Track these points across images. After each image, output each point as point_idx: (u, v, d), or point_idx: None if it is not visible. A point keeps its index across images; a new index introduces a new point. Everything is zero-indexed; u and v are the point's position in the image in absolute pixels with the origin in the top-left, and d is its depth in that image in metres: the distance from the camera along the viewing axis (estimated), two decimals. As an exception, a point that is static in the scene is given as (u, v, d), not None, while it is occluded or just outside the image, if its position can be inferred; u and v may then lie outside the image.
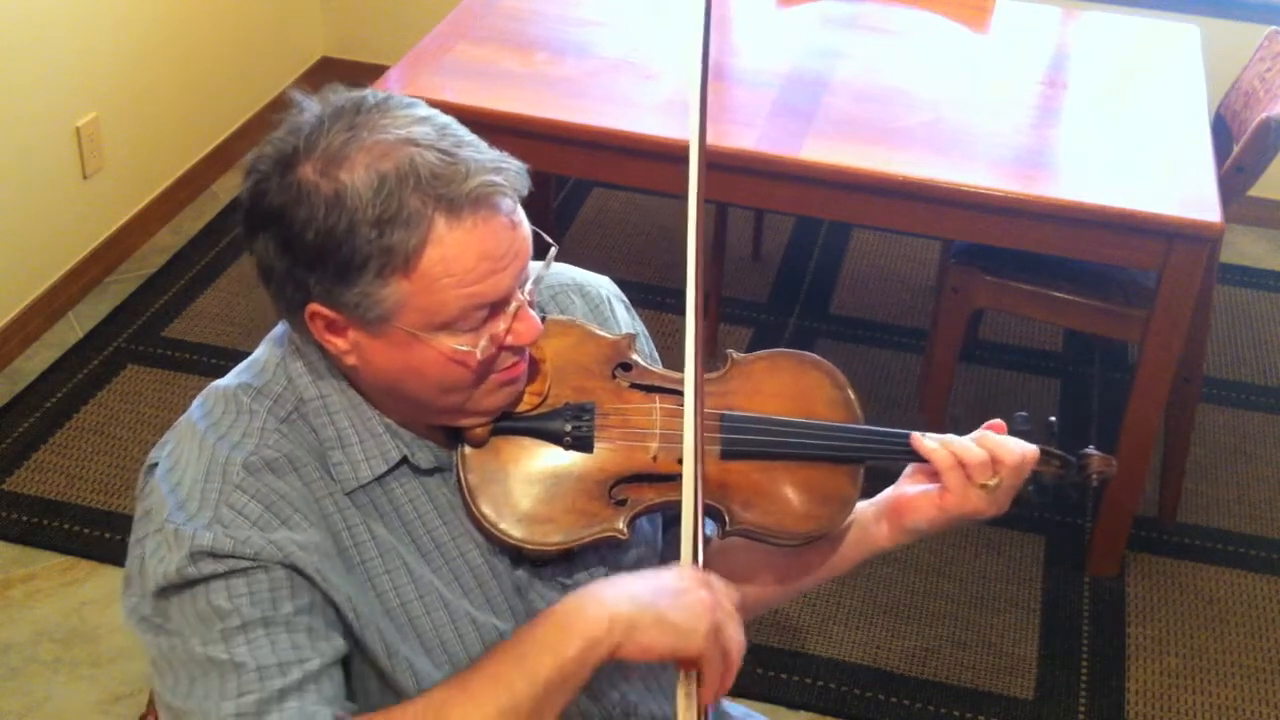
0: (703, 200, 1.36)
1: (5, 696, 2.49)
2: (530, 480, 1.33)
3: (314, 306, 1.25)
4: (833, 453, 1.42)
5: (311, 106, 1.26)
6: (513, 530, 1.31)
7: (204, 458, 1.27)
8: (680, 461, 1.33)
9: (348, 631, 1.26)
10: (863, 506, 1.46)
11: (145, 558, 1.25)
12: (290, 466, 1.27)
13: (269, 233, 1.23)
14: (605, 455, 1.36)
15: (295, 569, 1.23)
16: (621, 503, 1.34)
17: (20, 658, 2.56)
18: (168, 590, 1.23)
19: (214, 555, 1.21)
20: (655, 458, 1.36)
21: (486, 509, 1.31)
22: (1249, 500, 3.06)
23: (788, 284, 3.67)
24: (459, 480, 1.33)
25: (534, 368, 1.36)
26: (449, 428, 1.35)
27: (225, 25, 3.92)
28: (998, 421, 1.45)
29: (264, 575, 1.22)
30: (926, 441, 1.41)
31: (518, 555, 1.36)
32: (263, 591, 1.22)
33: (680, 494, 1.31)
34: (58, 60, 3.28)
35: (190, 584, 1.22)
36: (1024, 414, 1.45)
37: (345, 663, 1.28)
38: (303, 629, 1.22)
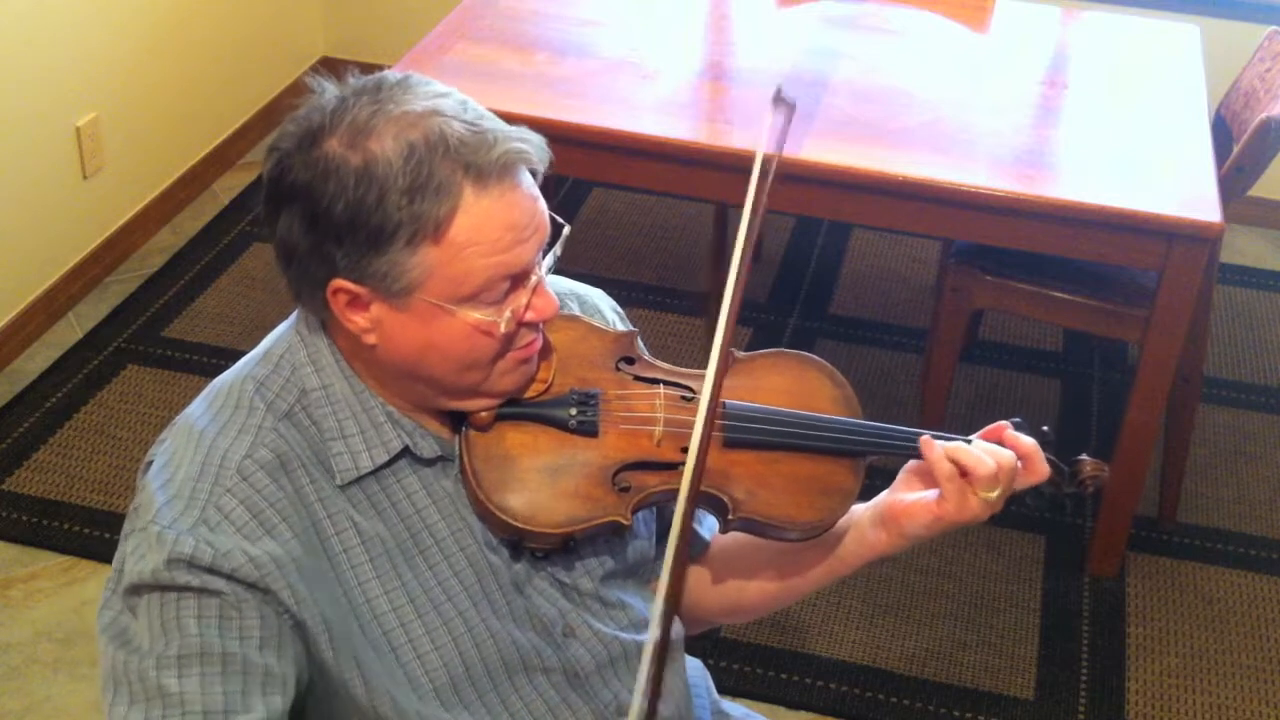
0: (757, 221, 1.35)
1: (5, 696, 2.49)
2: (534, 464, 1.34)
3: (338, 282, 1.25)
4: (834, 445, 1.42)
5: (330, 88, 1.27)
6: (515, 513, 1.31)
7: (199, 456, 1.27)
8: (684, 450, 1.34)
9: (319, 656, 1.26)
10: (861, 510, 1.46)
11: (127, 554, 1.26)
12: (283, 469, 1.27)
13: (294, 209, 1.24)
14: (609, 441, 1.36)
15: (267, 591, 1.22)
16: (625, 489, 1.35)
17: (20, 658, 2.56)
18: (140, 589, 1.23)
19: (191, 565, 1.21)
20: (659, 444, 1.37)
21: (489, 492, 1.32)
22: (1249, 500, 3.06)
23: (788, 284, 3.67)
24: (462, 463, 1.33)
25: (541, 354, 1.37)
26: (454, 414, 1.35)
27: (225, 25, 3.92)
28: (1002, 425, 1.44)
29: (234, 601, 1.21)
30: (935, 448, 1.38)
31: (517, 547, 1.36)
32: (231, 620, 1.21)
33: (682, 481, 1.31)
34: (58, 60, 3.29)
35: (163, 588, 1.22)
36: (1019, 420, 1.45)
37: (307, 696, 1.27)
38: (258, 672, 1.21)
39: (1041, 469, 1.41)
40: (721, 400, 1.42)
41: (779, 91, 1.39)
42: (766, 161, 1.32)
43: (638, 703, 1.15)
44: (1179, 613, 2.78)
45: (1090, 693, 2.60)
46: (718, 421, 1.40)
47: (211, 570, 1.21)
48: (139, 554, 1.24)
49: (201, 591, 1.21)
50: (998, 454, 1.38)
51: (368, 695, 1.28)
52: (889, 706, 2.56)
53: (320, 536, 1.28)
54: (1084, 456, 1.49)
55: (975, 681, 2.61)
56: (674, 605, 1.29)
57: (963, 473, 1.37)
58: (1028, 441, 1.41)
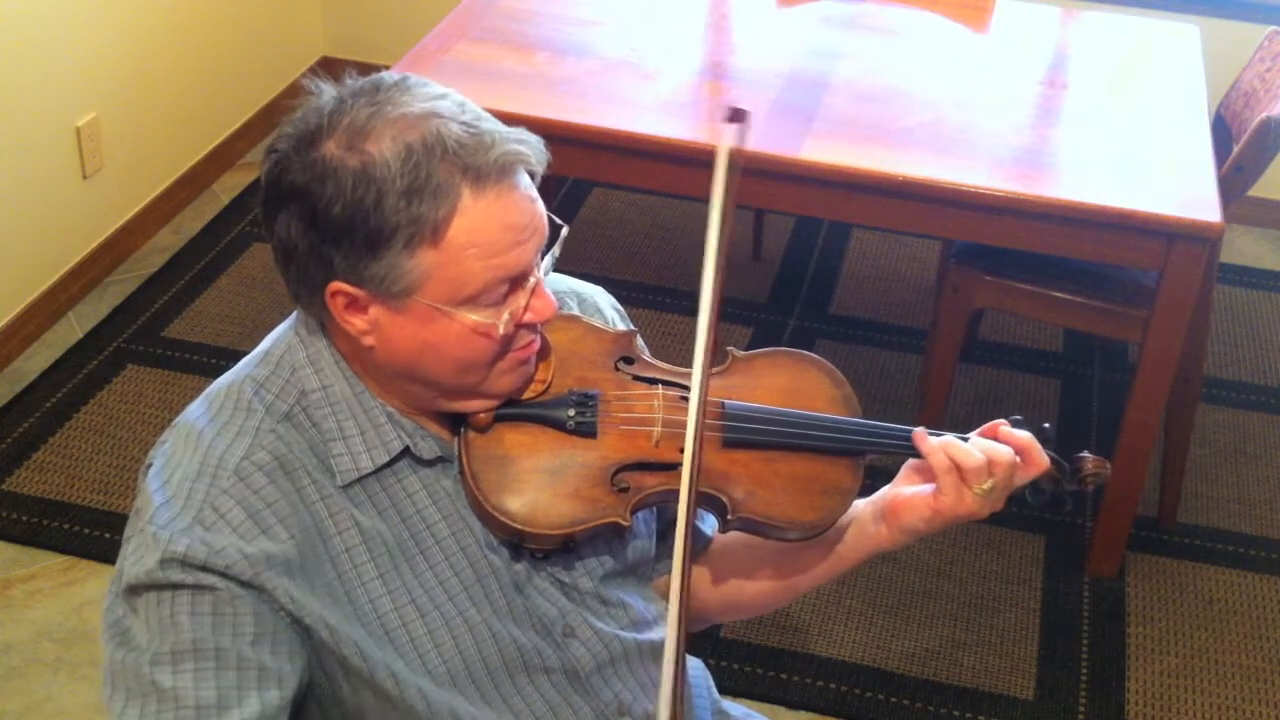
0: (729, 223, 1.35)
1: (5, 696, 2.49)
2: (533, 466, 1.34)
3: (336, 284, 1.25)
4: (833, 444, 1.42)
5: (328, 90, 1.27)
6: (515, 515, 1.31)
7: (196, 457, 1.27)
8: (683, 450, 1.34)
9: (324, 650, 1.26)
10: (861, 506, 1.46)
11: (127, 556, 1.26)
12: (282, 470, 1.27)
13: (291, 211, 1.24)
14: (608, 442, 1.36)
15: (262, 590, 1.22)
16: (624, 490, 1.35)
17: (20, 658, 2.56)
18: (137, 589, 1.23)
19: (184, 564, 1.21)
20: (657, 444, 1.37)
21: (489, 493, 1.31)
22: (1249, 500, 3.06)
23: (788, 284, 3.67)
24: (461, 465, 1.33)
25: (540, 354, 1.37)
26: (454, 415, 1.35)
27: (225, 25, 3.92)
28: (998, 422, 1.44)
29: (228, 597, 1.21)
30: (929, 441, 1.40)
31: (517, 547, 1.36)
32: (224, 616, 1.21)
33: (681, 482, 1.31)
34: (58, 60, 3.28)
35: (158, 587, 1.22)
36: (1019, 418, 1.45)
37: (316, 695, 1.28)
38: (252, 668, 1.21)
39: (1040, 460, 1.42)
40: (720, 400, 1.42)
41: (734, 112, 1.37)
42: (732, 158, 1.31)
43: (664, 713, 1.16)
44: (1179, 613, 2.78)
45: (1090, 693, 2.60)
46: (717, 422, 1.40)
47: (205, 568, 1.21)
48: (137, 555, 1.24)
49: (195, 588, 1.21)
50: (988, 448, 1.38)
51: (372, 682, 1.28)
52: (889, 706, 2.56)
53: (322, 536, 1.28)
54: (1085, 453, 1.50)
55: (975, 681, 2.61)
56: (685, 620, 1.29)
57: (955, 467, 1.37)
58: (1023, 435, 1.42)
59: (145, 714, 1.19)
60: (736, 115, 1.31)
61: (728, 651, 2.63)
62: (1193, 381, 2.87)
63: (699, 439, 1.29)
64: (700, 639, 2.60)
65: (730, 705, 1.68)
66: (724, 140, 1.30)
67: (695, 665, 1.66)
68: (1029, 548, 2.91)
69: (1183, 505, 3.01)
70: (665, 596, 1.39)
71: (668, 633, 1.23)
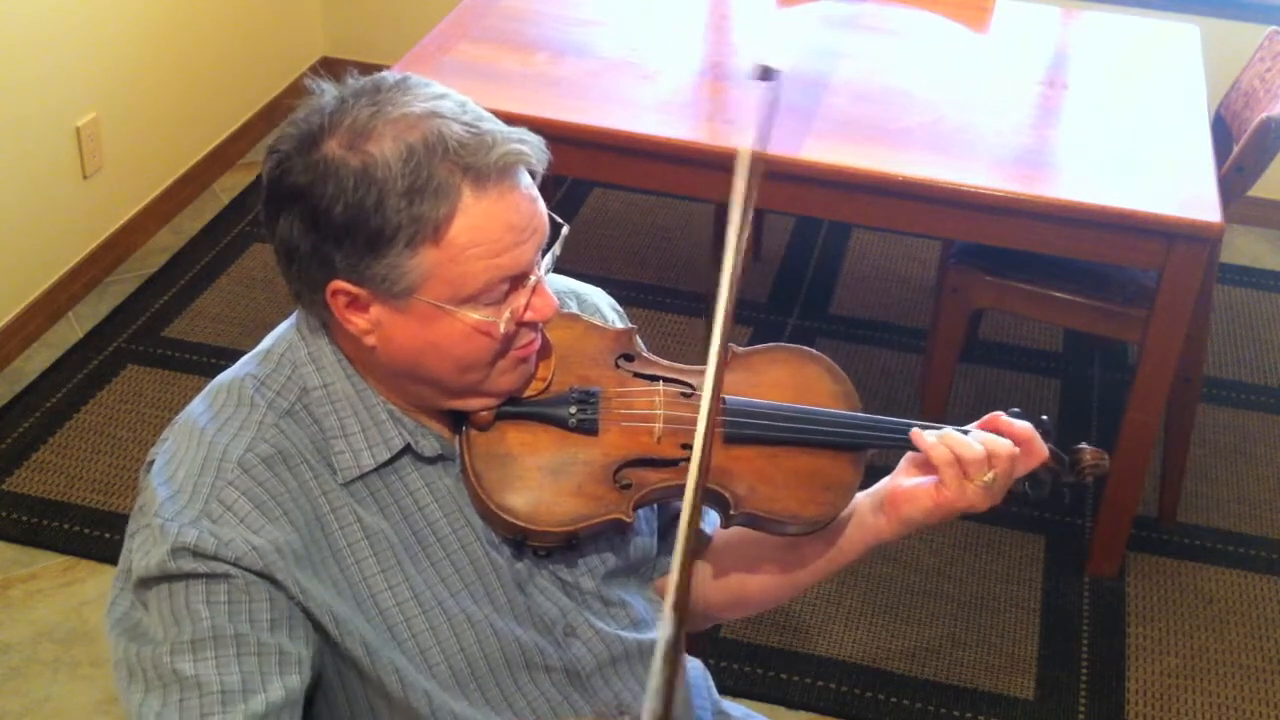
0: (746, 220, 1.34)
1: (5, 696, 2.49)
2: (535, 463, 1.34)
3: (337, 283, 1.25)
4: (835, 439, 1.42)
5: (329, 90, 1.27)
6: (518, 513, 1.32)
7: (200, 451, 1.27)
8: (684, 446, 1.34)
9: (327, 640, 1.26)
10: (861, 498, 1.47)
11: (133, 551, 1.26)
12: (284, 463, 1.28)
13: (293, 211, 1.24)
14: (610, 439, 1.36)
15: (273, 580, 1.23)
16: (626, 486, 1.35)
17: (20, 658, 2.56)
18: (149, 581, 1.23)
19: (195, 554, 1.21)
20: (659, 441, 1.37)
21: (491, 492, 1.32)
22: (1249, 500, 3.06)
23: (788, 284, 3.67)
24: (463, 464, 1.34)
25: (540, 352, 1.37)
26: (455, 414, 1.35)
27: (225, 25, 3.92)
28: (997, 414, 1.45)
29: (243, 584, 1.22)
30: (926, 437, 1.41)
31: (519, 545, 1.36)
32: (240, 604, 1.22)
33: (683, 478, 1.31)
34: (58, 60, 3.29)
35: (170, 578, 1.22)
36: (1018, 410, 1.46)
37: (320, 686, 1.28)
38: (272, 653, 1.22)
39: (1039, 451, 1.43)
40: (721, 396, 1.42)
41: (764, 70, 1.36)
42: (758, 148, 1.31)
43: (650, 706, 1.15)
44: (1179, 613, 2.78)
45: (1090, 693, 2.60)
46: (719, 418, 1.40)
47: (216, 557, 1.22)
48: (145, 549, 1.24)
49: (209, 577, 1.22)
50: (989, 440, 1.39)
51: (373, 668, 1.28)
52: (889, 706, 2.56)
53: (324, 530, 1.29)
54: (1083, 445, 1.50)
55: (975, 681, 2.61)
56: (683, 611, 1.29)
57: (956, 459, 1.38)
58: (1022, 426, 1.42)
59: (168, 703, 1.19)
60: (766, 74, 1.30)
61: (728, 651, 2.63)
62: (1193, 381, 2.87)
63: (711, 425, 1.29)
64: (700, 639, 2.58)
65: (730, 705, 1.68)
66: (759, 96, 1.28)
67: (695, 665, 1.66)
68: (1029, 548, 2.91)
69: (1183, 505, 3.01)
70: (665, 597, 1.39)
71: (665, 609, 1.22)
